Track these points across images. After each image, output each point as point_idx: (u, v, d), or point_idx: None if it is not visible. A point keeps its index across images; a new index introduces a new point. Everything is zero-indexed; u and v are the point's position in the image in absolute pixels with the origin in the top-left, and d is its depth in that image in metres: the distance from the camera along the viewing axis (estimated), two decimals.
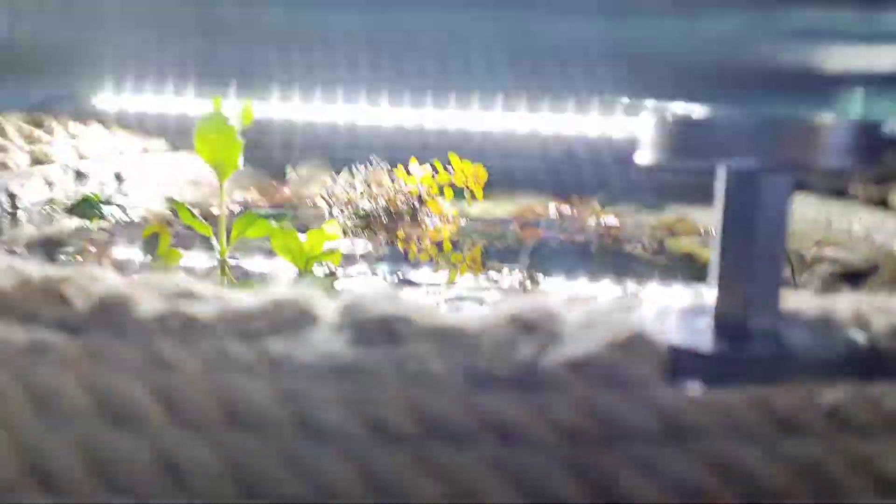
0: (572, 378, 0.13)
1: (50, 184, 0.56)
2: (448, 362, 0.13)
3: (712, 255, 0.16)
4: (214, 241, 0.40)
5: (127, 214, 0.53)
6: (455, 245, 0.53)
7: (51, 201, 0.56)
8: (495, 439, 0.12)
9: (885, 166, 0.16)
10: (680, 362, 0.14)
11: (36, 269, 0.15)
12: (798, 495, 0.11)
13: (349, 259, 0.47)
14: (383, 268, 0.45)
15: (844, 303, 0.16)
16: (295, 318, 0.14)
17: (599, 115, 0.77)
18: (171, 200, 0.40)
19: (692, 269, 0.52)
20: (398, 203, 0.53)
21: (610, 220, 0.59)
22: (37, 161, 0.58)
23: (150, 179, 0.66)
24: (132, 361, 0.13)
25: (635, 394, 0.12)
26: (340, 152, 0.75)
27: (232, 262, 0.43)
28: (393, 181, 0.55)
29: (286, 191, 0.66)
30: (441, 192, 0.55)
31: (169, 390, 0.12)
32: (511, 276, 0.42)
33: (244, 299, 0.15)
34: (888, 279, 0.45)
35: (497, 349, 0.13)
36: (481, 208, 0.64)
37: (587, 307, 0.16)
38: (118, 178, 0.63)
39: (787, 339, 0.15)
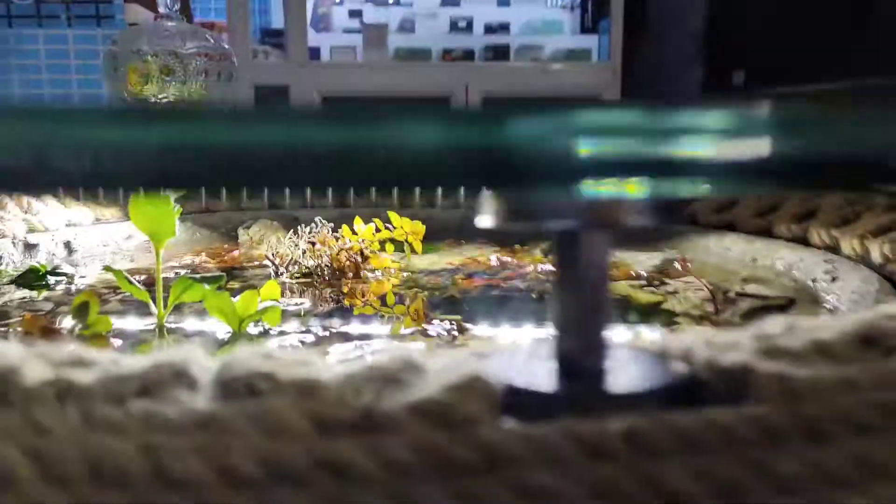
0: (408, 419, 0.14)
1: None
2: (297, 412, 0.14)
3: (552, 303, 0.18)
4: (153, 307, 0.41)
5: (73, 283, 0.54)
6: (399, 297, 0.55)
7: None
8: (334, 479, 0.13)
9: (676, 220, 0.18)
10: (513, 401, 0.15)
11: None
12: None
13: (290, 316, 0.48)
14: (315, 323, 0.46)
15: (678, 339, 0.18)
16: (170, 379, 0.15)
17: None
18: (107, 268, 0.41)
19: (625, 310, 0.54)
20: (341, 260, 0.55)
21: (548, 267, 0.61)
22: None
23: (101, 248, 0.67)
24: (12, 426, 0.14)
25: (464, 430, 0.14)
26: (292, 212, 0.77)
27: (173, 325, 0.44)
28: (337, 239, 0.57)
29: (235, 253, 0.67)
30: (383, 248, 0.57)
31: (40, 451, 0.13)
32: (442, 326, 0.44)
33: (126, 363, 0.16)
34: (803, 312, 0.48)
35: (344, 397, 0.15)
36: (428, 261, 0.66)
37: (450, 355, 0.18)
38: (68, 247, 0.64)
39: (612, 375, 0.17)
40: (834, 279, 0.49)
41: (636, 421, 0.14)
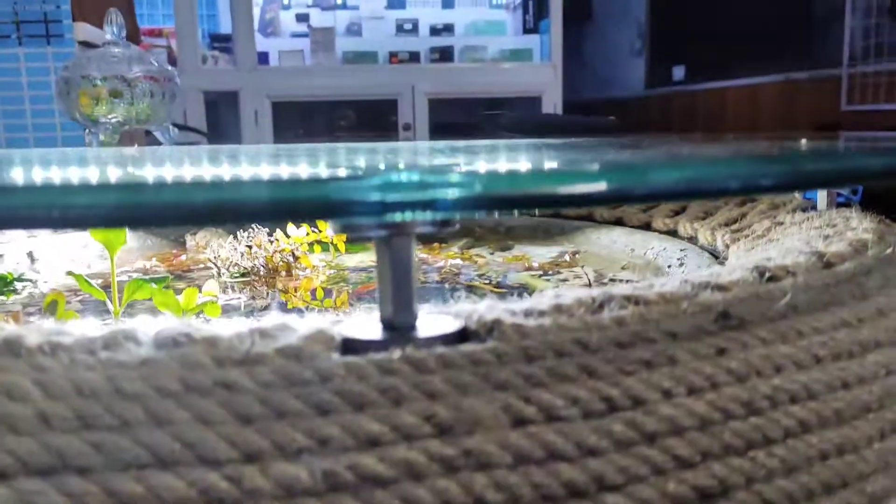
0: (273, 356, 0.23)
1: None
2: (203, 354, 0.23)
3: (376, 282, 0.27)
4: (109, 304, 0.49)
5: (37, 288, 0.62)
6: (327, 292, 0.63)
7: None
8: (226, 392, 0.22)
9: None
10: (347, 345, 0.24)
11: None
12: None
13: (230, 310, 0.57)
14: (252, 315, 0.54)
15: (475, 307, 0.27)
16: (123, 339, 0.24)
17: None
18: (69, 273, 0.49)
19: (521, 294, 0.63)
20: (275, 260, 0.64)
21: (458, 262, 0.71)
22: None
23: (61, 256, 0.75)
24: (22, 369, 0.22)
25: (307, 362, 0.23)
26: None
27: (127, 319, 0.52)
28: (271, 242, 0.65)
29: (183, 257, 0.75)
30: (312, 249, 0.66)
31: (42, 381, 0.22)
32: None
33: (94, 330, 0.25)
34: None
35: (234, 344, 0.23)
36: (357, 259, 0.74)
37: (318, 320, 0.27)
38: (30, 257, 0.71)
39: (417, 330, 0.26)
40: (681, 264, 0.59)
41: (414, 353, 0.23)
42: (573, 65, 4.20)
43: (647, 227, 0.74)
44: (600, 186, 0.23)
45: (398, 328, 0.26)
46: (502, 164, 0.25)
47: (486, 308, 0.27)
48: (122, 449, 0.20)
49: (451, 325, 0.26)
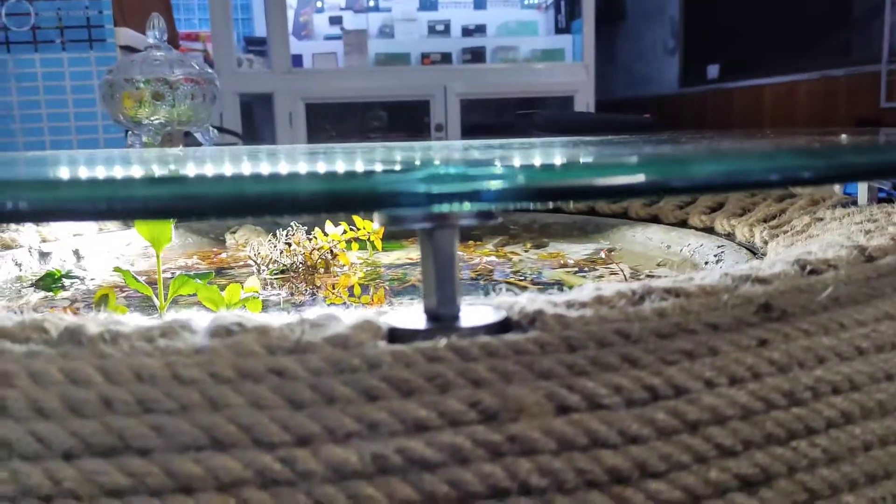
0: (322, 344, 0.24)
1: (18, 264, 0.66)
2: (255, 342, 0.24)
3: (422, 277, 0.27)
4: (155, 300, 0.50)
5: (84, 284, 0.64)
6: (365, 288, 0.64)
7: (19, 279, 0.66)
8: (278, 379, 0.23)
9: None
10: (393, 334, 0.25)
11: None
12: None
13: (270, 306, 0.58)
14: (292, 311, 0.56)
15: (517, 299, 0.28)
16: (179, 328, 0.25)
17: None
18: (117, 269, 0.51)
19: (558, 291, 0.64)
20: (313, 258, 0.65)
21: (494, 259, 0.71)
22: (5, 246, 0.68)
23: (106, 254, 0.77)
24: (85, 356, 0.24)
25: (355, 350, 0.24)
26: (275, 217, 0.86)
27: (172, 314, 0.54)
28: (310, 240, 0.67)
29: (223, 255, 0.77)
30: (349, 246, 0.67)
31: (104, 368, 0.23)
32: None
33: (151, 321, 0.26)
34: None
35: (284, 334, 0.24)
36: (394, 257, 0.75)
37: (363, 312, 0.27)
38: (76, 254, 0.73)
39: (461, 320, 0.26)
40: (718, 261, 0.59)
41: (458, 342, 0.24)
42: (607, 64, 4.18)
43: (683, 224, 0.74)
44: (639, 178, 0.23)
45: (442, 318, 0.27)
46: (542, 158, 0.25)
47: (528, 300, 0.27)
48: (180, 431, 0.21)
49: (493, 316, 0.26)
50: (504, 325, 0.26)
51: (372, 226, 0.66)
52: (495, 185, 0.24)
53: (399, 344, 0.24)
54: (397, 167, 0.25)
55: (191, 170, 0.23)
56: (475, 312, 0.27)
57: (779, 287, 0.29)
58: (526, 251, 0.78)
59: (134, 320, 0.26)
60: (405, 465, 0.21)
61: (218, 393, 0.22)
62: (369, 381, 0.23)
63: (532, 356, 0.24)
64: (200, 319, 0.26)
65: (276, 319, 0.25)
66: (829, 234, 0.45)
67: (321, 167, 0.23)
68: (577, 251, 0.75)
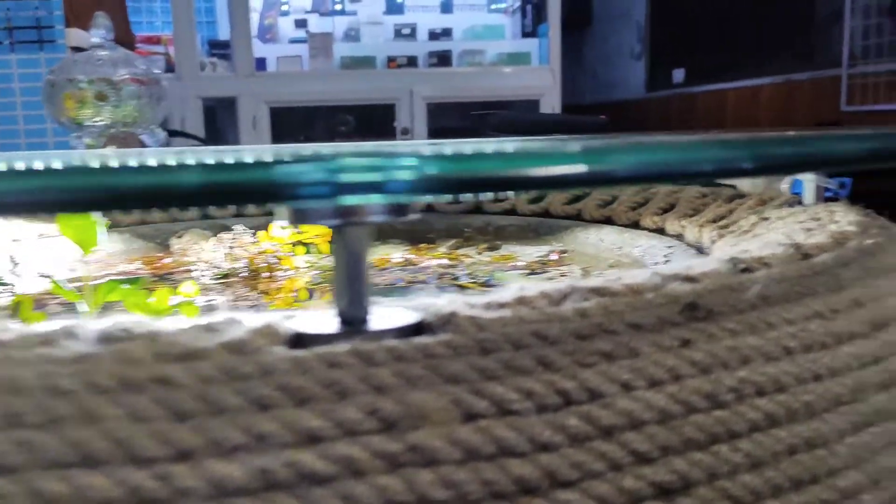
0: (216, 350, 0.22)
1: None
2: (143, 350, 0.22)
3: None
4: (84, 306, 0.48)
5: (14, 291, 0.61)
6: (311, 292, 0.63)
7: None
8: (165, 389, 0.21)
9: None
10: (298, 339, 0.23)
11: None
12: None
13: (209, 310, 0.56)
14: None
15: (434, 300, 0.26)
16: (64, 335, 0.23)
17: None
18: (43, 275, 0.48)
19: None
20: (257, 262, 0.63)
21: (445, 261, 0.70)
22: None
23: (44, 260, 0.74)
24: None
25: (251, 356, 0.22)
26: (223, 221, 0.84)
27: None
28: (254, 244, 0.65)
29: (167, 260, 0.74)
30: (295, 250, 0.65)
31: None
32: None
33: (36, 327, 0.24)
34: None
35: (176, 340, 0.23)
36: None
37: (268, 316, 0.26)
38: (12, 260, 0.70)
39: (369, 323, 0.25)
40: (667, 261, 0.58)
41: (362, 346, 0.22)
42: (574, 69, 4.20)
43: (635, 225, 0.73)
44: (542, 170, 0.22)
45: (352, 321, 0.25)
46: (453, 149, 0.24)
47: (447, 301, 0.26)
48: (47, 447, 0.19)
49: (407, 319, 0.25)
50: (418, 328, 0.25)
51: (318, 228, 0.64)
52: (401, 175, 0.23)
53: (300, 349, 0.23)
54: (301, 158, 0.23)
55: (76, 163, 0.21)
56: (389, 315, 0.25)
57: (707, 286, 0.28)
58: (479, 254, 0.77)
59: (23, 327, 0.24)
60: (294, 480, 0.20)
61: (93, 405, 0.20)
62: (261, 390, 0.21)
63: (441, 360, 0.23)
64: (90, 326, 0.24)
65: (175, 324, 0.24)
66: (772, 232, 0.45)
67: (222, 158, 0.22)
68: (530, 253, 0.74)
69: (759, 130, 0.56)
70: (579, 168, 0.25)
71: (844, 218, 0.42)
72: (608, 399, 0.23)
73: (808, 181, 0.55)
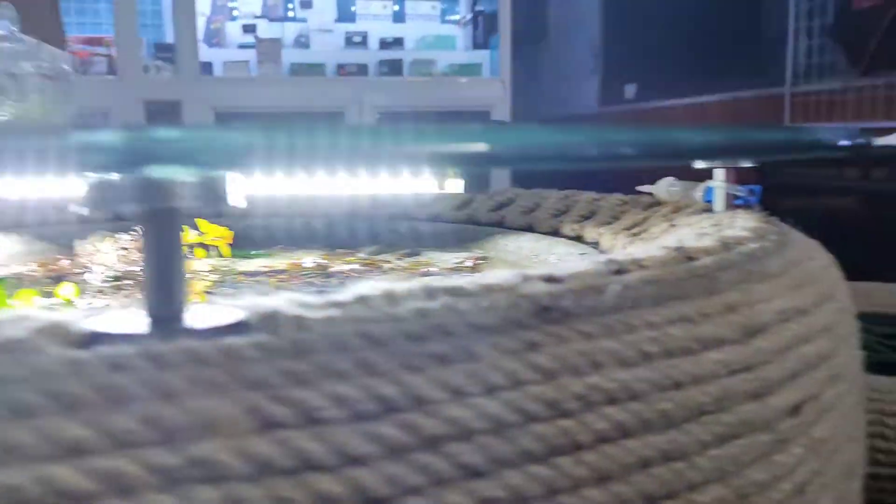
0: None
1: None
2: None
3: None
4: None
5: None
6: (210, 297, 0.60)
7: None
8: None
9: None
10: (95, 338, 0.21)
11: None
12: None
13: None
14: None
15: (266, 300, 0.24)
16: None
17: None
18: None
19: None
20: None
21: (356, 266, 0.67)
22: None
23: None
24: None
25: (19, 358, 0.19)
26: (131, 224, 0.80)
27: None
28: None
29: (66, 262, 0.71)
30: (192, 252, 0.62)
31: None
32: None
33: None
34: None
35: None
36: (258, 264, 0.71)
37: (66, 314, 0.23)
38: None
39: (182, 322, 0.22)
40: None
41: (154, 348, 0.20)
42: (530, 83, 4.22)
43: (556, 233, 0.72)
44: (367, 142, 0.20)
45: (163, 320, 0.23)
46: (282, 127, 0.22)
47: (281, 299, 0.23)
48: None
49: (226, 317, 0.23)
50: (236, 328, 0.22)
51: (219, 230, 0.61)
52: (207, 144, 0.20)
53: (83, 350, 0.20)
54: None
55: None
56: (209, 313, 0.23)
57: (571, 286, 0.27)
58: (399, 259, 0.75)
59: None
60: (46, 498, 0.17)
61: None
62: (20, 395, 0.18)
63: (245, 363, 0.20)
64: None
65: None
66: (669, 237, 0.43)
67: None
68: (447, 260, 0.72)
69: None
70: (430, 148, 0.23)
71: (743, 224, 0.41)
72: (434, 406, 0.21)
73: (719, 188, 0.55)
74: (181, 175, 0.22)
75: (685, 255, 0.32)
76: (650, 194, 0.69)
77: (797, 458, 0.29)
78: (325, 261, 0.69)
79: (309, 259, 0.69)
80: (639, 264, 0.30)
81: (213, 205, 0.23)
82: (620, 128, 0.30)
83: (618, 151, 0.30)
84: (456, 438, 0.21)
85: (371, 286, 0.25)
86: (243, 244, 0.77)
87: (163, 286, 0.23)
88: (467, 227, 0.81)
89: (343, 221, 0.85)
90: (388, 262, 0.74)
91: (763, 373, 0.28)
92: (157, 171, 0.21)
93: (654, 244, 0.38)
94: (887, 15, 2.25)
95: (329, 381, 0.21)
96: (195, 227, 0.61)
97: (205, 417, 0.19)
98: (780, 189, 1.77)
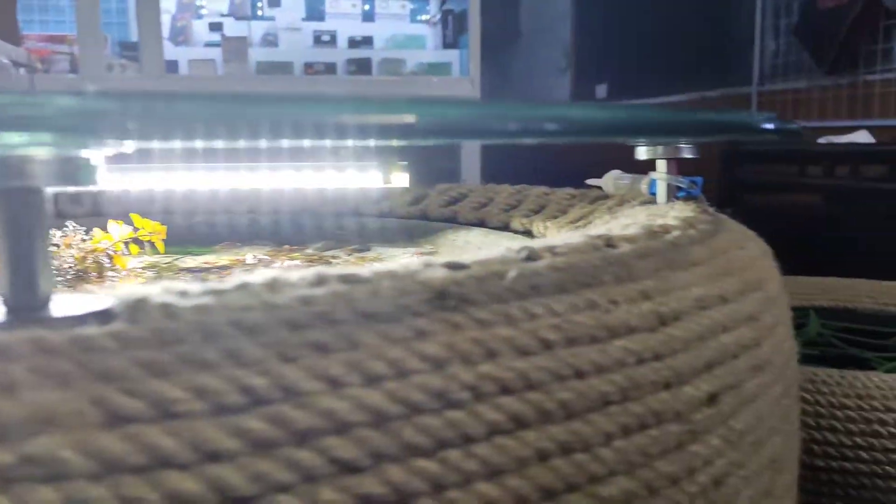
0: None
1: None
2: None
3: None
4: None
5: None
6: None
7: None
8: None
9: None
10: None
11: None
12: None
13: None
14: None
15: (141, 288, 0.23)
16: None
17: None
18: None
19: None
20: (86, 261, 0.58)
21: (298, 262, 0.66)
22: None
23: None
24: None
25: None
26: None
27: None
28: (84, 241, 0.59)
29: None
30: (128, 248, 0.60)
31: None
32: None
33: None
34: None
35: None
36: (201, 260, 0.69)
37: None
38: None
39: (45, 311, 0.21)
40: None
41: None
42: (502, 82, 4.22)
43: (506, 227, 0.71)
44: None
45: (23, 309, 0.21)
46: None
47: (156, 287, 0.22)
48: None
49: (93, 306, 0.21)
50: (102, 316, 0.21)
51: (153, 224, 0.60)
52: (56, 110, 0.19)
53: None
54: None
55: None
56: (72, 303, 0.22)
57: (472, 273, 0.25)
58: (348, 255, 0.73)
59: None
60: None
61: None
62: None
63: (98, 354, 0.19)
64: None
65: None
66: (601, 227, 0.42)
67: None
68: (395, 255, 0.71)
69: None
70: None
71: (676, 214, 0.41)
72: (306, 398, 0.20)
73: (661, 180, 0.54)
74: (34, 151, 0.21)
75: (605, 243, 0.31)
76: (599, 188, 0.68)
77: (714, 450, 0.28)
78: (269, 257, 0.68)
79: (252, 255, 0.68)
80: (552, 251, 0.29)
81: (70, 183, 0.21)
82: (535, 105, 0.29)
83: (533, 128, 0.29)
84: (330, 432, 0.20)
85: (261, 274, 0.24)
86: (189, 241, 0.75)
87: (22, 273, 0.21)
88: (419, 222, 0.79)
89: (292, 218, 0.83)
90: (337, 257, 0.72)
91: (675, 362, 0.27)
92: (7, 147, 0.20)
93: (579, 233, 0.37)
94: (850, 14, 2.28)
95: (191, 372, 0.19)
96: (130, 223, 0.59)
97: (44, 411, 0.17)
98: (743, 185, 1.78)
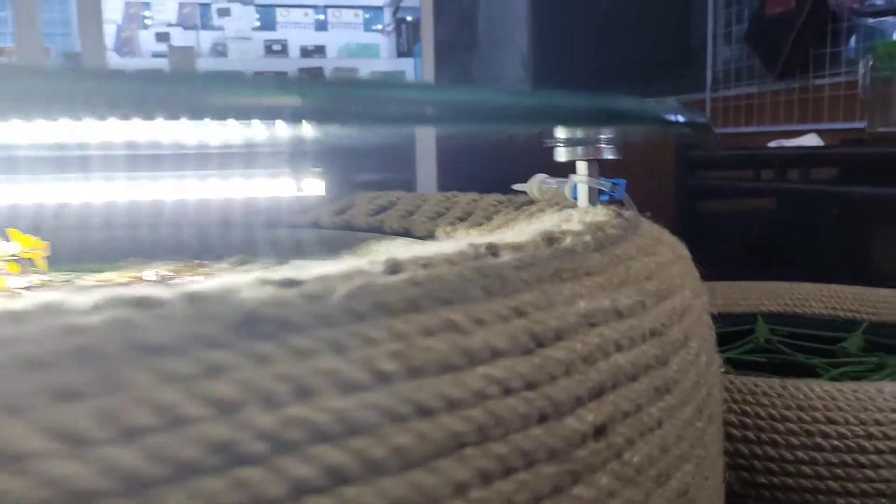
0: None
1: None
2: None
3: None
4: None
5: None
6: None
7: None
8: None
9: None
10: None
11: None
12: None
13: None
14: None
15: None
16: None
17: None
18: None
19: None
20: None
21: (198, 279, 0.61)
22: None
23: None
24: None
25: None
26: None
27: None
28: None
29: None
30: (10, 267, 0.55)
31: None
32: None
33: None
34: None
35: None
36: (96, 279, 0.63)
37: None
38: None
39: None
40: None
41: None
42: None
43: (431, 236, 0.67)
44: None
45: None
46: None
47: None
48: None
49: None
50: None
51: (33, 242, 0.54)
52: None
53: None
54: None
55: None
56: None
57: (305, 291, 0.21)
58: (264, 269, 0.68)
59: None
60: None
61: None
62: None
63: None
64: None
65: None
66: (497, 235, 0.38)
67: None
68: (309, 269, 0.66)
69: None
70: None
71: (584, 218, 0.37)
72: (35, 462, 0.15)
73: (581, 183, 0.50)
74: None
75: (488, 251, 0.27)
76: (525, 193, 0.65)
77: (603, 491, 0.24)
78: (174, 273, 0.63)
79: (154, 272, 0.62)
80: (419, 263, 0.25)
81: None
82: (430, 87, 0.26)
83: (421, 112, 0.26)
84: (66, 500, 0.15)
85: (36, 297, 0.19)
86: (104, 256, 0.70)
87: None
88: (346, 233, 0.75)
89: (213, 230, 0.78)
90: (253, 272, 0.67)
91: (553, 390, 0.23)
92: None
93: (465, 241, 0.33)
94: (797, 20, 2.30)
95: None
96: (7, 239, 0.54)
97: None
98: (696, 191, 1.77)
